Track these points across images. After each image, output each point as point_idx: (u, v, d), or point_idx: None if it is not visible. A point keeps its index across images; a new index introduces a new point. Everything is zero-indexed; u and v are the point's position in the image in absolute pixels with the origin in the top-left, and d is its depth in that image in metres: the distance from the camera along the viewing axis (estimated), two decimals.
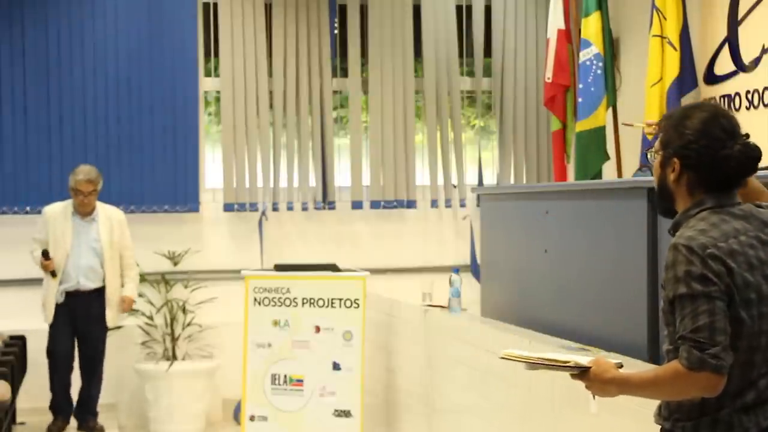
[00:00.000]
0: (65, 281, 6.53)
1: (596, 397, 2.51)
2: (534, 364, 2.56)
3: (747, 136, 2.42)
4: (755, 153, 2.40)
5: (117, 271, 6.66)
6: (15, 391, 6.00)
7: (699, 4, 6.54)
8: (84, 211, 6.60)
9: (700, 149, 2.39)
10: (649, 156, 2.60)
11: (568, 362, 2.48)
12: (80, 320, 6.60)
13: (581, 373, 2.45)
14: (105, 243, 6.59)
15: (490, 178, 8.09)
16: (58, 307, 6.53)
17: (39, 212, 6.74)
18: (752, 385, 2.31)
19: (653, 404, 2.57)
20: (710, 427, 2.31)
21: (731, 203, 2.42)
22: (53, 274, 6.48)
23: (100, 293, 6.60)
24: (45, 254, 6.47)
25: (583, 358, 2.50)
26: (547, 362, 2.53)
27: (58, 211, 6.62)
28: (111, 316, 6.65)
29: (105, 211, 6.70)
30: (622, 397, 2.46)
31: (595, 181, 6.28)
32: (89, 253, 6.57)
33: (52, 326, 6.57)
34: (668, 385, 2.28)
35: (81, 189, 6.54)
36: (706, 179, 2.40)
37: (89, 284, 6.56)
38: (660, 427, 2.44)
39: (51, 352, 6.61)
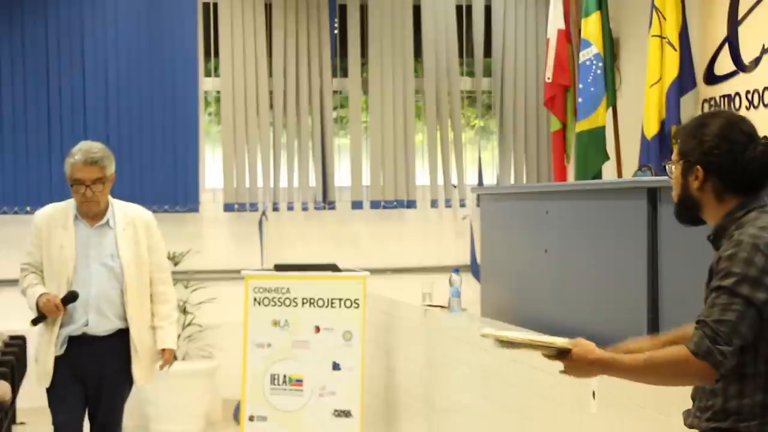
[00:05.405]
0: (67, 322, 4.37)
1: (596, 396, 2.51)
2: (510, 344, 2.51)
3: (765, 138, 2.43)
4: None
5: (146, 303, 4.52)
6: (15, 391, 6.00)
7: (699, 4, 6.54)
8: (90, 212, 4.42)
9: (721, 154, 2.40)
10: (667, 168, 2.59)
11: (548, 343, 2.45)
12: (91, 380, 4.43)
13: (561, 354, 2.43)
14: (127, 259, 4.43)
15: (490, 178, 8.09)
16: (58, 361, 4.38)
17: None
18: None
19: (653, 404, 2.55)
20: None
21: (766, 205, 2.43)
22: (65, 305, 4.37)
23: (120, 338, 4.44)
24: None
25: (563, 340, 2.45)
26: (525, 343, 2.50)
27: (53, 215, 4.47)
28: (141, 374, 4.49)
29: (125, 211, 4.53)
30: (622, 397, 2.46)
31: (595, 181, 6.28)
32: (103, 276, 4.41)
33: (50, 392, 4.42)
34: (665, 366, 2.28)
35: (80, 176, 4.32)
36: (732, 183, 2.42)
37: (103, 325, 4.40)
38: (701, 428, 2.39)
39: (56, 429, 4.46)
